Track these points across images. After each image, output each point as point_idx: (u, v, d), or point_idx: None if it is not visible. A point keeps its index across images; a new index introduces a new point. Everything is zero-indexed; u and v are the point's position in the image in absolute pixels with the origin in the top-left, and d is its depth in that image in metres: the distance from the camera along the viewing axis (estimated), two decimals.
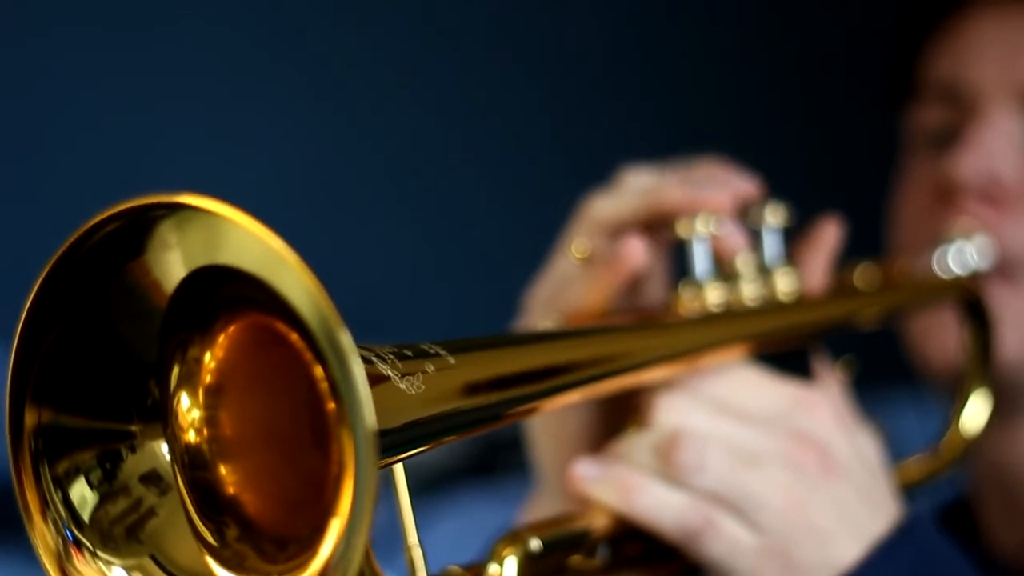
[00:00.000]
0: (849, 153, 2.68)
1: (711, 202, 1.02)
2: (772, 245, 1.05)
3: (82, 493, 0.75)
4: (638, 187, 1.05)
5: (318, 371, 0.72)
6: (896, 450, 1.09)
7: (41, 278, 0.71)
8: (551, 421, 1.08)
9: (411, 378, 0.78)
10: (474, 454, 2.15)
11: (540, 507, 1.10)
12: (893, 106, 1.36)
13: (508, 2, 2.69)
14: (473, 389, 0.82)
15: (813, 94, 2.84)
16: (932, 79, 1.30)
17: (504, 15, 2.67)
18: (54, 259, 0.71)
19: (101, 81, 2.39)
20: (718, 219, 1.02)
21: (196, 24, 2.44)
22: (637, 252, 1.01)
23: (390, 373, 0.77)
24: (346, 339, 0.68)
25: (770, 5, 2.83)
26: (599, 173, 1.20)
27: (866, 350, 1.13)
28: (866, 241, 1.24)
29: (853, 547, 0.96)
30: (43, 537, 0.74)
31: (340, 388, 0.68)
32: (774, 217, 1.05)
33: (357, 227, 2.53)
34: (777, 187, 1.17)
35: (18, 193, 2.35)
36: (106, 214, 0.70)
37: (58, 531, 0.74)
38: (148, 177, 2.40)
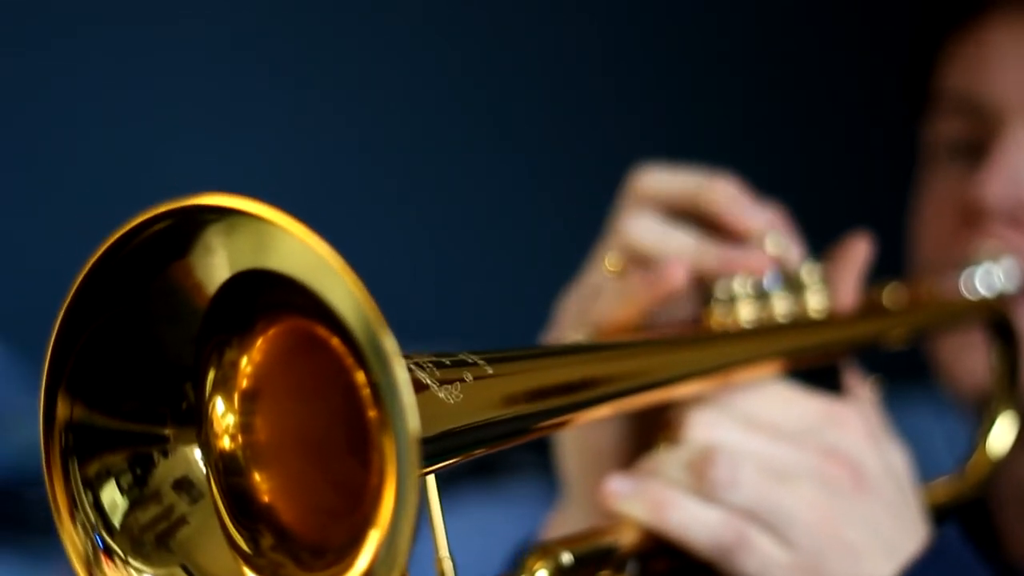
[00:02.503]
0: (872, 167, 2.67)
1: (749, 266, 1.02)
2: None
3: (112, 497, 0.73)
4: (679, 242, 1.04)
5: (359, 377, 0.71)
6: (917, 450, 1.08)
7: (86, 269, 0.70)
8: (581, 435, 1.07)
9: (449, 387, 0.77)
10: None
11: (566, 520, 1.09)
12: (913, 116, 1.35)
13: (517, 2, 2.69)
14: (510, 400, 0.81)
15: (834, 107, 2.83)
16: (949, 90, 1.28)
17: (510, 15, 2.67)
18: (100, 252, 0.70)
19: (101, 81, 2.38)
20: (756, 280, 1.02)
21: (196, 25, 2.43)
22: (679, 278, 1.01)
23: (429, 381, 0.76)
24: (391, 345, 0.66)
25: (789, 18, 2.82)
26: (605, 176, 1.19)
27: (888, 358, 1.12)
28: (890, 256, 1.23)
29: (885, 564, 0.95)
30: (72, 539, 0.73)
31: (384, 394, 0.67)
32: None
33: (364, 229, 2.52)
34: (798, 202, 1.16)
35: (18, 194, 2.35)
36: (156, 212, 0.69)
37: (87, 535, 0.72)
38: (149, 177, 2.39)
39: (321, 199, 2.48)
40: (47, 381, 0.71)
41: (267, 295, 0.72)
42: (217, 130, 2.45)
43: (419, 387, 0.75)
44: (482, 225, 2.65)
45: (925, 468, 1.10)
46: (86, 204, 2.25)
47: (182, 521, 0.76)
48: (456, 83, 2.62)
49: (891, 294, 1.16)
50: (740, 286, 1.02)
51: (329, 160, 2.55)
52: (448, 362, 0.78)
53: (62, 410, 0.72)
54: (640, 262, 1.04)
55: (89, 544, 0.73)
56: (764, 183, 1.21)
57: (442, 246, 2.62)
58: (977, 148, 1.24)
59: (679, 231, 1.04)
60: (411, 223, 2.59)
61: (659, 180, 1.05)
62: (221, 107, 2.46)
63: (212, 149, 2.45)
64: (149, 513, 0.75)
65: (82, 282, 0.70)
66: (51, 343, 0.71)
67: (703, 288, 1.04)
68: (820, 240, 1.11)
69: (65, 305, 0.71)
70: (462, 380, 0.78)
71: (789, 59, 2.83)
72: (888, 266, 1.19)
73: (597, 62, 2.73)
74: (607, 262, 1.04)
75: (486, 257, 2.62)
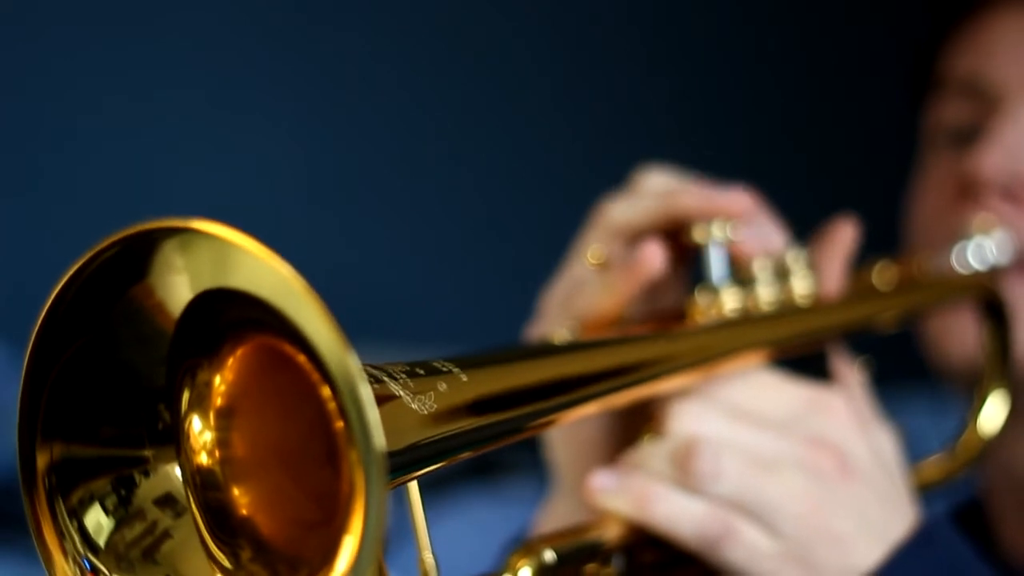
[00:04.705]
0: (866, 149, 2.66)
1: (728, 207, 1.02)
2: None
3: (97, 520, 0.75)
4: (654, 191, 1.05)
5: (326, 391, 0.72)
6: (910, 448, 1.08)
7: (42, 316, 0.71)
8: (568, 427, 1.08)
9: (423, 397, 0.78)
10: None
11: (556, 509, 1.10)
12: (913, 101, 1.35)
13: (520, 2, 2.68)
14: (485, 406, 0.82)
15: (831, 90, 2.82)
16: (953, 74, 1.28)
17: (509, 14, 2.67)
18: (53, 294, 0.71)
19: (96, 83, 2.40)
20: (734, 224, 1.02)
21: (197, 24, 2.44)
22: (655, 257, 1.01)
23: (401, 393, 0.77)
24: (353, 363, 0.67)
25: (784, 5, 2.81)
26: (607, 173, 1.19)
27: (878, 346, 1.13)
28: (883, 237, 1.23)
29: (873, 550, 0.95)
30: (63, 573, 0.74)
31: (348, 413, 0.68)
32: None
33: (366, 226, 2.54)
34: (794, 184, 1.17)
35: (18, 193, 2.37)
36: (106, 243, 0.70)
37: (76, 563, 0.74)
38: (149, 176, 2.40)
39: (314, 197, 2.50)
40: (21, 434, 0.73)
41: (232, 312, 0.73)
42: (215, 132, 2.46)
43: (391, 399, 0.76)
44: (471, 220, 2.65)
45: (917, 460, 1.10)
46: (86, 203, 2.27)
47: (166, 535, 0.77)
48: (450, 82, 2.63)
49: (880, 273, 1.16)
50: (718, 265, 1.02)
51: (324, 159, 2.56)
52: (421, 371, 0.79)
53: (41, 459, 0.73)
54: (623, 244, 1.05)
55: (78, 570, 0.74)
56: (751, 171, 1.21)
57: (432, 241, 2.63)
58: (976, 132, 1.24)
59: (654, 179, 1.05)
60: (399, 220, 2.60)
61: (624, 210, 1.06)
62: (220, 107, 2.47)
63: (211, 150, 2.46)
64: (134, 530, 0.76)
65: (41, 326, 0.71)
66: (19, 395, 0.72)
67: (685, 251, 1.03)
68: (811, 227, 1.11)
69: (28, 352, 0.72)
70: (435, 389, 0.79)
71: (783, 48, 2.81)
72: (884, 251, 1.19)
73: (595, 58, 2.73)
74: (590, 254, 1.05)
75: (474, 251, 2.63)
